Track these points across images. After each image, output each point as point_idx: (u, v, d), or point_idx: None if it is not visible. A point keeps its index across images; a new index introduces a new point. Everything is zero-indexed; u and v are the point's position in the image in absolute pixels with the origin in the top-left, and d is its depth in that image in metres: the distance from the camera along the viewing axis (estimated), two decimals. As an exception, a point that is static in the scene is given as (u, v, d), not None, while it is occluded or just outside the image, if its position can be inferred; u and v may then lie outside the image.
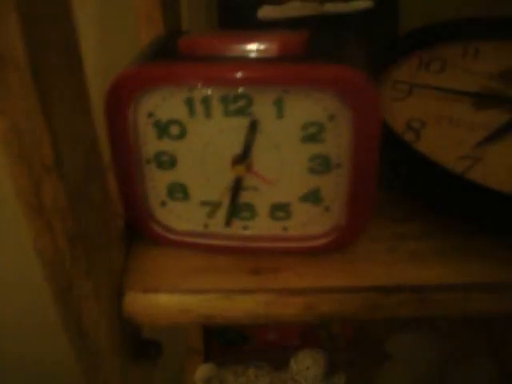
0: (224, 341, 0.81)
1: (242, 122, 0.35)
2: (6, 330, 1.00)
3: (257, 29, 0.56)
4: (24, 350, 1.03)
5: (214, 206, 0.39)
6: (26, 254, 0.33)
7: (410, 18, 0.57)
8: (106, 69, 0.37)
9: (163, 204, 0.40)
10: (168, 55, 0.36)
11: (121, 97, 0.35)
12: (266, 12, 0.57)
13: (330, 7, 0.57)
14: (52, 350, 0.98)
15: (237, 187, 0.38)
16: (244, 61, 0.34)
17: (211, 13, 0.63)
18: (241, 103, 0.35)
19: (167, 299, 0.39)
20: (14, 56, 0.26)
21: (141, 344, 0.43)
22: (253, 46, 0.35)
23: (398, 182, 0.45)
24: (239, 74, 0.33)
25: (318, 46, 0.36)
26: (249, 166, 0.37)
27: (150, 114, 0.36)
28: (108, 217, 0.37)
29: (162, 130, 0.36)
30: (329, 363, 0.68)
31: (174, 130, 0.36)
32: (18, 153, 0.29)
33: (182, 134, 0.36)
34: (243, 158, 0.37)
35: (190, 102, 0.35)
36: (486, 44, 0.56)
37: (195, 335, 0.80)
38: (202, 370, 0.71)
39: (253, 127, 0.35)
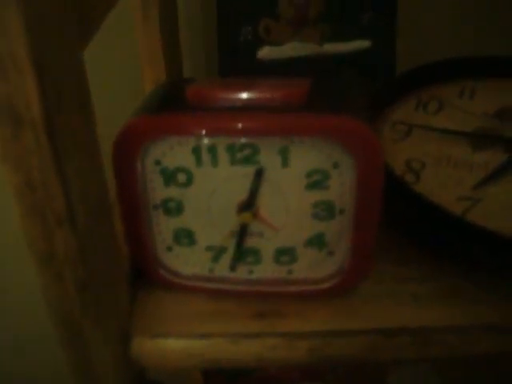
0: (224, 374, 0.81)
1: (248, 171, 0.36)
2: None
3: (257, 69, 0.58)
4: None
5: (220, 251, 0.40)
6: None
7: (407, 58, 0.58)
8: (108, 112, 0.37)
9: (169, 249, 0.40)
10: (175, 104, 0.37)
11: (129, 146, 0.36)
12: (266, 53, 0.58)
13: (328, 47, 0.59)
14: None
15: (242, 233, 0.39)
16: (249, 112, 0.35)
17: (211, 53, 0.64)
18: (247, 152, 0.36)
19: (174, 344, 0.39)
20: (30, 116, 0.26)
21: (146, 386, 0.43)
22: (258, 96, 0.35)
23: (398, 224, 0.46)
24: (245, 125, 0.34)
25: (320, 93, 0.37)
26: (255, 212, 0.38)
27: (158, 162, 0.37)
28: (115, 263, 0.37)
29: (169, 177, 0.37)
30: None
31: (181, 177, 0.37)
32: (31, 206, 0.29)
33: (189, 182, 0.37)
34: (249, 205, 0.37)
35: (196, 151, 0.36)
36: (482, 83, 0.57)
37: (197, 371, 0.80)
38: (203, 405, 0.71)
39: (258, 175, 0.36)
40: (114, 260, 0.37)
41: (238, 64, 0.59)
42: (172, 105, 0.37)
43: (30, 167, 0.28)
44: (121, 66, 0.64)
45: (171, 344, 0.39)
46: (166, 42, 0.55)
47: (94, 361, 0.37)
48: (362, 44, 0.59)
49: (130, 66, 0.59)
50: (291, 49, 0.58)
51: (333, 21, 0.58)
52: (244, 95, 0.36)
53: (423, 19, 0.66)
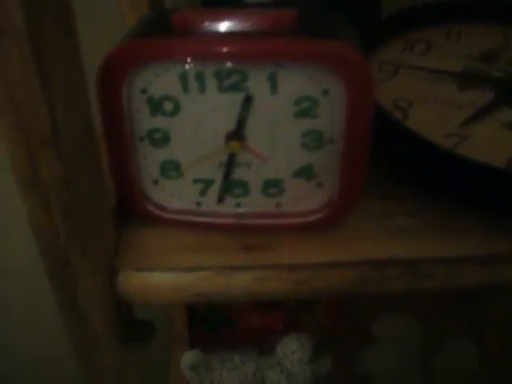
0: (208, 327, 0.81)
1: (236, 98, 0.35)
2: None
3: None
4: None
5: (207, 184, 0.39)
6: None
7: (393, 1, 0.58)
8: (90, 55, 0.37)
9: (156, 182, 0.40)
10: (161, 31, 0.36)
11: (114, 72, 0.35)
12: (250, -6, 0.57)
13: (314, -10, 0.57)
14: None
15: (230, 164, 0.38)
16: (237, 36, 0.34)
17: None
18: (235, 78, 0.35)
19: (161, 278, 0.39)
20: (13, 26, 0.25)
21: (133, 324, 0.43)
22: (246, 22, 0.35)
23: (386, 160, 0.46)
24: (233, 50, 0.33)
25: (309, 22, 0.36)
26: (243, 141, 0.37)
27: (144, 90, 0.36)
28: (101, 193, 0.37)
29: (156, 106, 0.36)
30: (314, 347, 0.68)
31: (168, 106, 0.36)
32: (14, 124, 0.29)
33: (176, 111, 0.36)
34: (237, 133, 0.37)
35: (183, 78, 0.35)
36: (469, 26, 0.57)
37: (180, 322, 0.80)
38: (188, 358, 0.71)
39: (247, 102, 0.35)
40: (99, 191, 0.36)
41: (221, 7, 0.58)
42: (157, 31, 0.36)
43: (13, 81, 0.27)
44: (102, 7, 0.62)
45: (158, 278, 0.39)
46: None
47: (79, 294, 0.36)
48: (349, -14, 0.58)
49: (112, 8, 0.57)
50: (277, -9, 0.57)
51: (318, -39, 0.56)
52: (232, 21, 0.35)
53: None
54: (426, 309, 0.78)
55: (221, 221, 0.40)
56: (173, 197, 0.40)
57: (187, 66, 0.35)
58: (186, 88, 0.35)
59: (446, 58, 0.52)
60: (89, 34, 0.59)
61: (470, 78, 0.50)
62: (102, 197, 0.37)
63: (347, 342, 0.78)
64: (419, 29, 0.56)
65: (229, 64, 0.34)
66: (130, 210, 0.41)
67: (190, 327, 0.81)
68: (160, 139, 0.38)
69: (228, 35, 0.34)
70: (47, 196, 0.31)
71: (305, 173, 0.38)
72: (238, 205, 0.40)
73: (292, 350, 0.68)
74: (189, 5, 0.65)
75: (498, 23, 0.57)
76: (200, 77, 0.35)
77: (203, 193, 0.40)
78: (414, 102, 0.47)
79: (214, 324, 0.81)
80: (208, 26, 0.35)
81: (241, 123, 0.36)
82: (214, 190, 0.39)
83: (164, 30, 0.36)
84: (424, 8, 0.56)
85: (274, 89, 0.35)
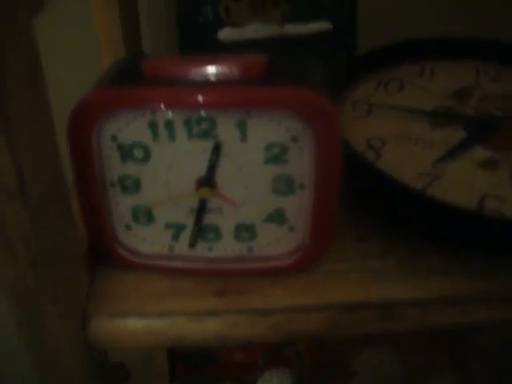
0: (190, 362, 0.81)
1: (206, 145, 0.36)
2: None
3: (218, 50, 0.57)
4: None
5: (179, 229, 0.39)
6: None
7: (368, 40, 0.58)
8: (67, 94, 0.37)
9: (128, 227, 0.40)
10: (131, 78, 0.36)
11: (84, 120, 0.35)
12: (226, 34, 0.58)
13: (289, 29, 0.58)
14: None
15: (201, 209, 0.38)
16: (206, 84, 0.34)
17: (172, 35, 0.63)
18: (204, 126, 0.35)
19: (134, 323, 0.38)
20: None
21: (108, 368, 0.43)
22: (215, 70, 0.35)
23: (360, 201, 0.46)
24: (202, 98, 0.34)
25: (278, 68, 0.37)
26: (213, 188, 0.37)
27: (114, 138, 0.36)
28: (71, 240, 0.37)
29: (126, 153, 0.36)
30: (295, 382, 0.68)
31: (138, 153, 0.36)
32: (-22, 180, 0.28)
33: (146, 158, 0.37)
34: (207, 180, 0.37)
35: (153, 126, 0.35)
36: (442, 64, 0.57)
37: (160, 358, 0.79)
38: (169, 393, 0.71)
39: (217, 149, 0.36)
40: (69, 238, 0.36)
41: (198, 45, 0.58)
42: (127, 78, 0.37)
43: (-23, 136, 0.27)
44: (80, 48, 0.63)
45: (131, 323, 0.38)
46: (126, 23, 0.54)
47: (50, 340, 0.36)
48: (324, 26, 0.58)
49: (89, 49, 0.58)
50: (252, 30, 0.58)
51: (293, 1, 0.57)
52: (201, 69, 0.35)
53: (383, 1, 0.66)
54: (409, 343, 0.78)
55: (193, 265, 0.40)
56: (145, 241, 0.40)
57: (157, 114, 0.35)
58: (155, 135, 0.36)
59: (420, 96, 0.53)
60: (65, 75, 0.60)
61: (442, 116, 0.51)
62: (72, 243, 0.37)
63: (329, 377, 0.78)
64: (393, 67, 0.57)
65: (198, 112, 0.35)
66: (104, 254, 0.41)
67: (172, 362, 0.80)
68: (131, 185, 0.38)
69: (197, 84, 0.34)
70: (14, 248, 0.31)
71: (276, 217, 0.39)
72: (211, 249, 0.40)
73: (273, 385, 0.67)
74: (167, 46, 0.65)
75: (470, 60, 0.58)
76: (169, 125, 0.35)
77: (175, 238, 0.40)
78: (387, 141, 0.48)
79: (195, 359, 0.81)
80: (178, 73, 0.35)
81: (211, 170, 0.36)
82: (186, 234, 0.39)
83: (135, 78, 0.36)
84: (397, 46, 0.57)
85: (243, 136, 0.35)
